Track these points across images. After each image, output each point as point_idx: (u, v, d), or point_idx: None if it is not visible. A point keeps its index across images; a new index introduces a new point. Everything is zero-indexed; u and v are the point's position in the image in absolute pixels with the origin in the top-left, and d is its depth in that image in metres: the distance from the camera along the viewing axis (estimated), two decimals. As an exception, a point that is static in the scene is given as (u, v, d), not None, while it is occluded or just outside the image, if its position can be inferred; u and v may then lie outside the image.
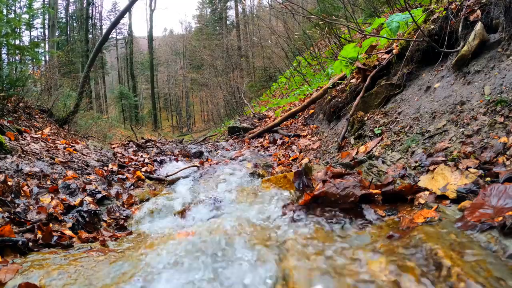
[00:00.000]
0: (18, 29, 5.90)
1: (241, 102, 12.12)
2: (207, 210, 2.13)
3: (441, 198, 1.41)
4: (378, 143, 2.35)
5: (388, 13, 5.82)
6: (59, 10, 21.92)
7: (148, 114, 30.52)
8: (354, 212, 1.50)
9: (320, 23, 7.39)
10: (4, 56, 6.15)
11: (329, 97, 4.02)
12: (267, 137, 5.30)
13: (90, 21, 24.67)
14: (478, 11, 2.24)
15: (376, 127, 2.56)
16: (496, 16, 2.11)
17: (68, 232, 1.71)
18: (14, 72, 5.00)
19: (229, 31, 30.22)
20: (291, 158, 3.55)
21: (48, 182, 2.27)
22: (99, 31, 27.52)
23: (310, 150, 3.45)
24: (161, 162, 4.06)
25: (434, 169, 1.61)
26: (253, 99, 15.28)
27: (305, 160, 3.18)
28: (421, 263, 0.98)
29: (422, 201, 1.43)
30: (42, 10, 7.38)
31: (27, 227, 1.59)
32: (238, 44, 25.85)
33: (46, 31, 15.97)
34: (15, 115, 4.55)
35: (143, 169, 3.43)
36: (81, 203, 2.06)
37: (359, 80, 3.33)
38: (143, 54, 36.50)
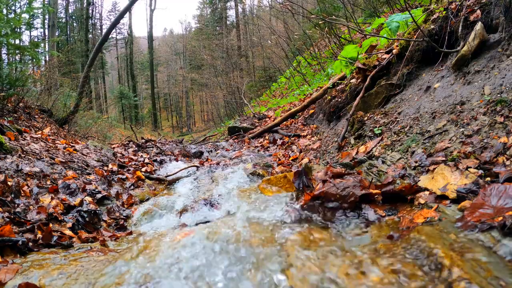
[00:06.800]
0: (18, 29, 5.90)
1: (241, 102, 12.12)
2: (206, 210, 2.14)
3: (441, 198, 1.41)
4: (378, 143, 2.35)
5: (388, 13, 5.82)
6: (59, 10, 21.94)
7: (148, 114, 30.57)
8: (354, 212, 1.50)
9: (320, 23, 7.39)
10: (4, 56, 6.15)
11: (329, 97, 4.02)
12: (267, 137, 5.31)
13: (90, 21, 24.70)
14: (478, 11, 2.24)
15: (376, 127, 2.56)
16: (496, 16, 2.11)
17: (68, 232, 1.71)
18: (14, 72, 5.00)
19: (229, 31, 30.19)
20: (291, 158, 3.55)
21: (48, 182, 2.27)
22: (99, 31, 27.57)
23: (310, 150, 3.45)
24: (161, 162, 4.06)
25: (434, 169, 1.61)
26: (253, 99, 15.27)
27: (305, 160, 3.18)
28: (421, 263, 0.98)
29: (422, 201, 1.43)
30: (42, 10, 7.38)
31: (27, 227, 1.59)
32: (238, 44, 25.82)
33: (46, 31, 16.01)
34: (15, 115, 4.55)
35: (143, 169, 3.43)
36: (81, 203, 2.06)
37: (359, 80, 3.33)
38: (143, 54, 36.52)
